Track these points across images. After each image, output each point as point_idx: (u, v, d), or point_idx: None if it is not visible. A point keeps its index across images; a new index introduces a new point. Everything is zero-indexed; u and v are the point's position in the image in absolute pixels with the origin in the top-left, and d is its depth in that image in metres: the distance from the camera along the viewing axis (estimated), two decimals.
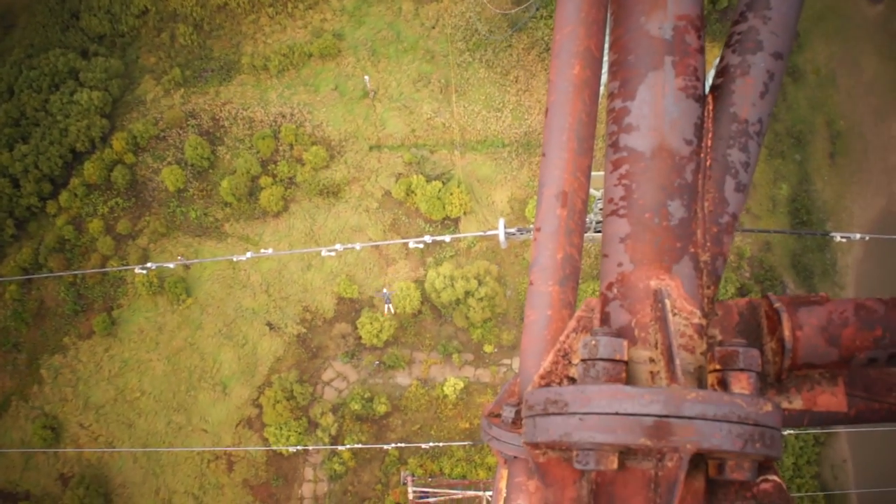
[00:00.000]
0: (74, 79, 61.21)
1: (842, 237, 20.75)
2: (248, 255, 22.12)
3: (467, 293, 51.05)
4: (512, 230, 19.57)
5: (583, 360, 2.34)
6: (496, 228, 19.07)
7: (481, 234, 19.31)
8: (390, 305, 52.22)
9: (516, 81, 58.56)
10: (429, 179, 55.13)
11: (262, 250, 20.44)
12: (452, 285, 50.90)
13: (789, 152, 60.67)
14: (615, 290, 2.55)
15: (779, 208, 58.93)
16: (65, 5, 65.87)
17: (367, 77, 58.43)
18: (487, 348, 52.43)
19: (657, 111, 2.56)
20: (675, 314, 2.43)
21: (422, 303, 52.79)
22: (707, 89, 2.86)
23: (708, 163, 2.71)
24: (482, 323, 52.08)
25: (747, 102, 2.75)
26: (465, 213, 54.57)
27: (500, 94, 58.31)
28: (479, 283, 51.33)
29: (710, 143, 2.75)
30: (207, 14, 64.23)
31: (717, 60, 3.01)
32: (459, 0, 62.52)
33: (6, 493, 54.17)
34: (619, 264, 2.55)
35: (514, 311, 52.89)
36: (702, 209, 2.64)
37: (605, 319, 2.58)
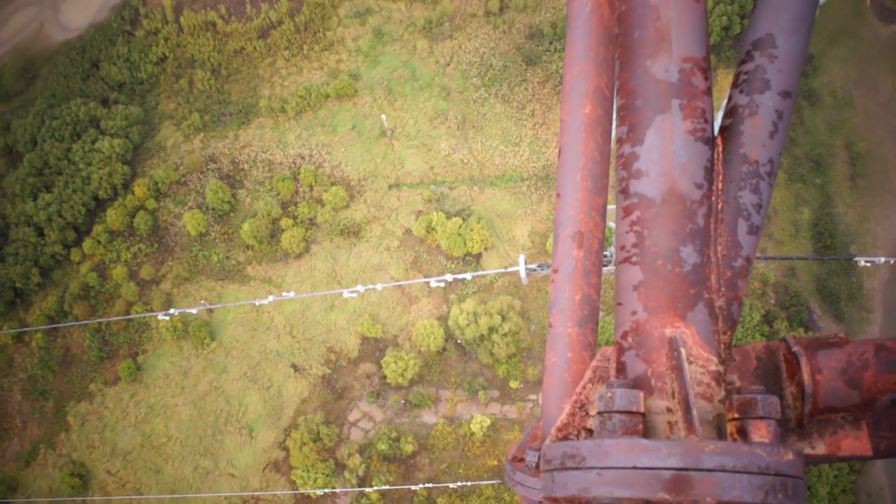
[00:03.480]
0: (96, 127, 62.15)
1: (866, 262, 20.47)
2: (271, 298, 22.13)
3: (491, 329, 50.87)
4: (533, 266, 19.40)
5: (599, 413, 2.31)
6: (517, 264, 19.01)
7: (502, 270, 19.24)
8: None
9: (532, 115, 58.84)
10: (449, 216, 55.27)
11: (284, 293, 20.45)
12: (476, 321, 50.75)
13: (809, 176, 60.37)
14: (630, 339, 2.50)
15: (801, 233, 58.52)
16: (85, 55, 67.12)
17: (384, 116, 58.93)
18: (513, 384, 52.10)
19: (666, 155, 2.51)
20: (691, 362, 2.38)
21: (446, 340, 52.62)
22: (716, 130, 2.78)
23: (719, 206, 2.65)
24: (507, 359, 51.82)
25: (757, 143, 2.69)
26: (486, 249, 54.57)
27: (517, 129, 58.54)
28: (503, 319, 51.14)
29: (720, 185, 2.68)
30: (224, 59, 65.23)
31: (726, 100, 2.94)
32: (473, 36, 63.16)
33: None
34: (633, 312, 2.50)
35: (539, 345, 52.64)
36: (715, 254, 2.58)
37: (621, 369, 2.52)
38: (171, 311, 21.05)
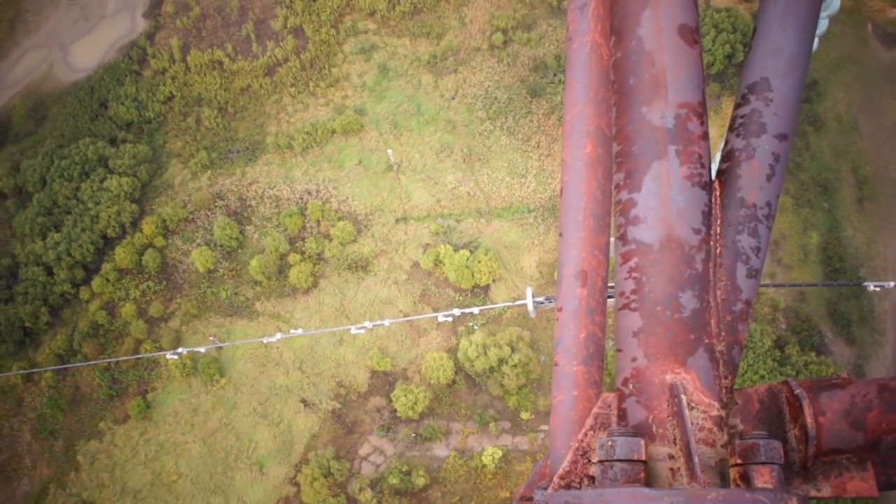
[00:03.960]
0: (104, 166, 62.64)
1: (875, 286, 20.30)
2: (279, 336, 22.14)
3: (501, 360, 50.70)
4: (540, 299, 19.31)
5: (600, 462, 2.30)
6: (525, 297, 18.95)
7: (509, 304, 19.21)
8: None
9: (538, 147, 59.13)
10: (456, 249, 55.35)
11: (292, 330, 20.49)
12: (485, 353, 50.61)
13: (817, 200, 60.28)
14: (631, 386, 2.51)
15: (810, 257, 58.29)
16: (93, 95, 67.83)
17: (390, 150, 59.25)
18: (524, 415, 51.79)
19: (663, 202, 2.53)
20: (692, 408, 2.39)
21: (455, 372, 52.44)
22: (714, 173, 2.82)
23: (718, 250, 2.69)
24: (517, 390, 51.57)
25: (754, 186, 2.74)
26: (494, 281, 54.52)
27: (523, 160, 58.81)
28: (513, 350, 51.00)
29: (718, 229, 2.73)
30: (231, 97, 65.84)
31: (722, 144, 2.98)
32: (477, 70, 63.64)
33: None
34: (634, 359, 2.51)
35: (549, 376, 52.31)
36: (714, 298, 2.60)
37: (622, 416, 2.54)
38: (180, 349, 21.10)
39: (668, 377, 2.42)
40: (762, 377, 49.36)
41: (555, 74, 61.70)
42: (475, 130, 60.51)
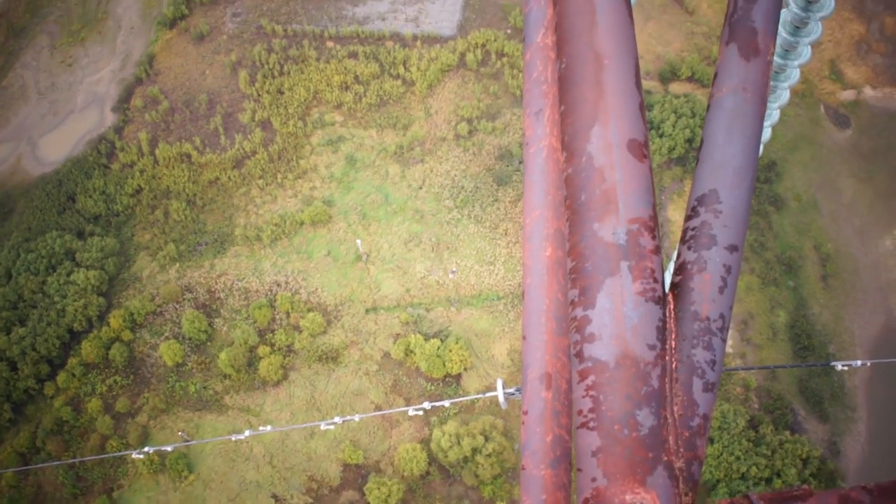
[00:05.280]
0: (71, 259, 62.22)
1: (843, 366, 20.47)
2: (247, 433, 21.69)
3: (474, 450, 50.20)
4: (511, 390, 19.22)
5: None
6: (496, 387, 18.81)
7: (480, 395, 19.03)
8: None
9: (506, 234, 59.77)
10: (427, 338, 55.29)
11: (262, 427, 20.12)
12: (459, 443, 50.13)
13: (782, 279, 61.21)
14: None
15: (779, 336, 58.86)
16: (61, 189, 67.77)
17: (359, 241, 59.61)
18: None
19: (617, 319, 2.55)
20: None
21: (429, 463, 51.73)
22: (668, 286, 2.86)
23: (674, 365, 2.70)
24: (492, 479, 50.95)
25: (707, 299, 2.78)
26: (465, 369, 54.41)
27: (491, 248, 59.38)
28: (486, 439, 50.56)
29: (674, 343, 2.75)
30: (199, 189, 66.13)
31: (675, 256, 3.03)
32: (444, 160, 64.69)
33: None
34: (594, 479, 2.47)
35: None
36: (671, 414, 2.61)
37: None
38: (146, 448, 20.60)
39: (628, 497, 2.39)
40: (737, 458, 49.21)
41: (520, 162, 62.83)
42: (443, 219, 61.17)
